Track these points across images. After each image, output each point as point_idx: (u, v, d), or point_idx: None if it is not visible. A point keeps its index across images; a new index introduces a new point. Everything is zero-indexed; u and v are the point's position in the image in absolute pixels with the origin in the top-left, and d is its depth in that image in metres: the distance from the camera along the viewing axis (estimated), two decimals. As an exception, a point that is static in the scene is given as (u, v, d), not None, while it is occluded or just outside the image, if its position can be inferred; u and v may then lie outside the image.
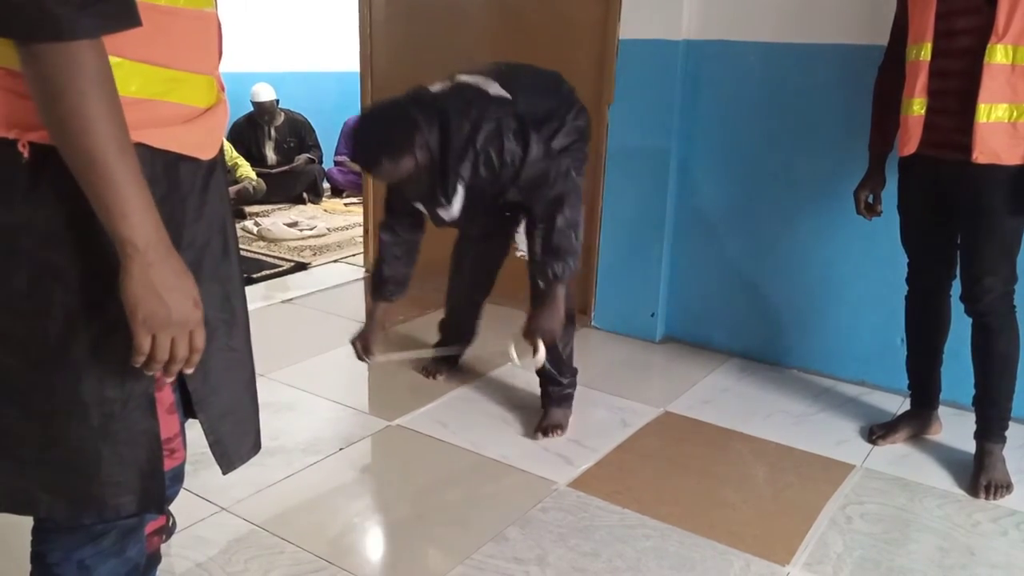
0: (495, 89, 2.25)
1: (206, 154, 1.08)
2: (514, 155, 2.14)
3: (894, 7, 2.29)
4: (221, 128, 1.13)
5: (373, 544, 2.05)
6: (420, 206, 2.36)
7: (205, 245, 1.10)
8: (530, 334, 2.23)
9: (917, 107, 2.13)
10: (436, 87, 2.29)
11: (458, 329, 2.89)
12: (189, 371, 1.02)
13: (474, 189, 2.21)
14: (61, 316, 0.98)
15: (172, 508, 1.78)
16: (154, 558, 1.38)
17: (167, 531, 1.89)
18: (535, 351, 2.24)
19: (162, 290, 0.94)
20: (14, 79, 0.91)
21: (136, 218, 0.91)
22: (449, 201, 2.23)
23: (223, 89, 1.15)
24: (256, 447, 1.26)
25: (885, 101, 2.32)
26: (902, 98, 2.19)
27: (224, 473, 1.19)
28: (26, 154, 0.92)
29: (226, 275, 1.15)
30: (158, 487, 1.09)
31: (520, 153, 2.15)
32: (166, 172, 1.02)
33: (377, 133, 2.14)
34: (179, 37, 1.00)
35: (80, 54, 0.86)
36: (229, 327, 1.16)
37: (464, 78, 2.30)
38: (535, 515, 2.10)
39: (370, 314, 2.59)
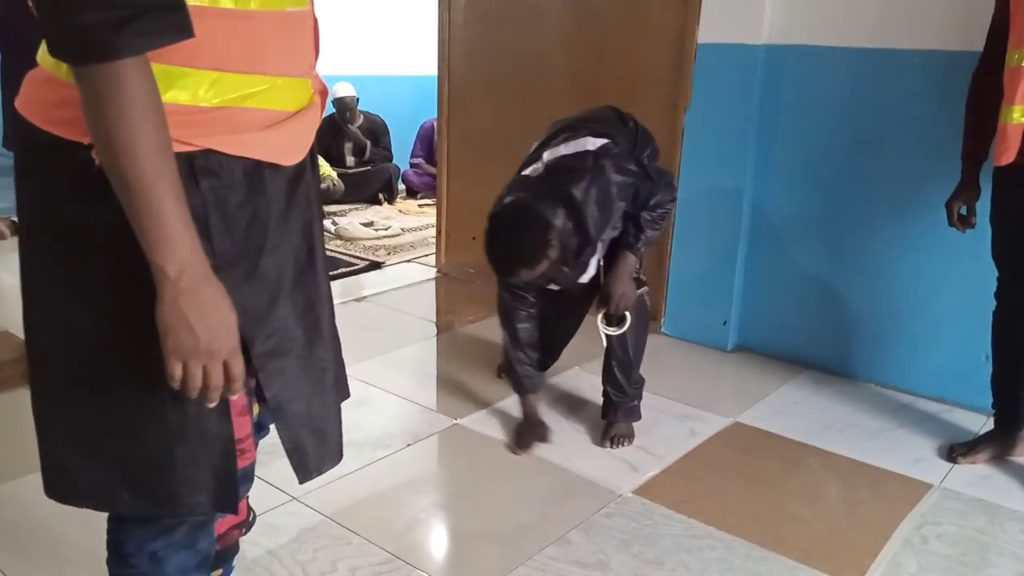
0: (592, 142, 2.24)
1: (289, 159, 1.07)
2: (642, 186, 2.25)
3: (987, 11, 2.21)
4: (310, 131, 1.10)
5: (437, 540, 2.07)
6: (552, 285, 2.39)
7: (290, 251, 1.09)
8: (611, 302, 2.33)
9: (1018, 115, 2.05)
10: (531, 170, 2.28)
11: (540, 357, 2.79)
12: (232, 396, 1.00)
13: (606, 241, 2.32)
14: (140, 318, 0.96)
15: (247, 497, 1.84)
16: (232, 549, 1.42)
17: (247, 525, 1.94)
18: (623, 319, 2.39)
19: (193, 319, 0.92)
20: None
21: (168, 245, 0.90)
22: (586, 268, 2.32)
23: (322, 91, 1.14)
24: (337, 456, 1.23)
25: (981, 108, 2.24)
26: (1001, 105, 2.10)
27: (301, 482, 1.17)
28: (98, 161, 0.91)
29: (311, 283, 1.13)
30: (231, 488, 1.10)
31: (648, 182, 2.26)
32: (247, 177, 1.01)
33: (512, 243, 2.14)
34: (256, 41, 0.98)
35: (120, 74, 0.84)
36: (311, 336, 1.14)
37: (553, 152, 2.27)
38: (599, 520, 2.10)
39: (530, 411, 2.52)
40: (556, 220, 2.12)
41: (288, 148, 1.06)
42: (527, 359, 2.46)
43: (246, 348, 1.03)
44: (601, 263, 2.38)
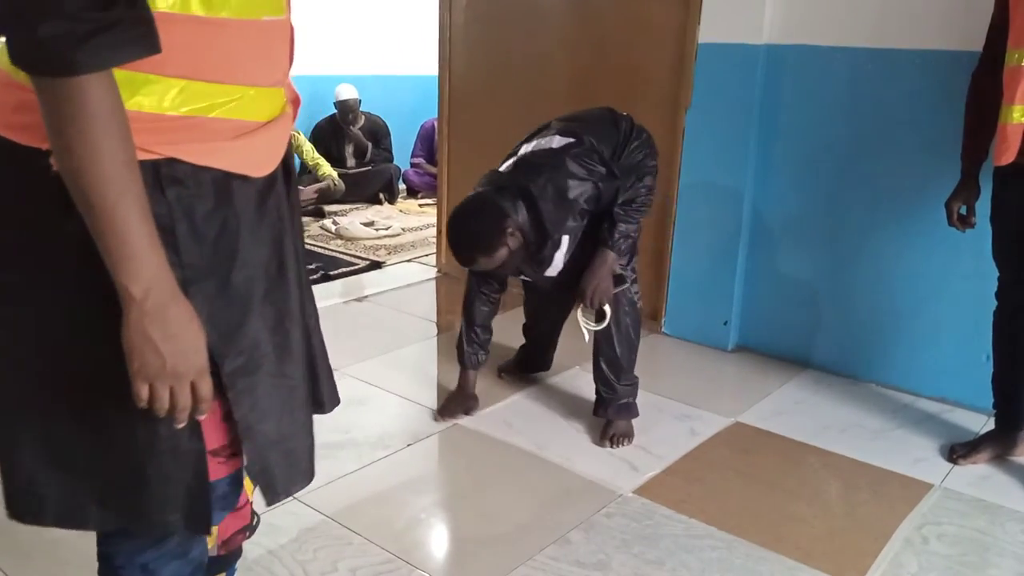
0: (558, 141, 2.34)
1: (259, 171, 1.02)
2: (604, 185, 2.29)
3: (987, 11, 2.20)
4: (281, 142, 1.07)
5: (437, 540, 2.07)
6: (521, 276, 2.54)
7: (259, 265, 1.05)
8: (586, 297, 2.34)
9: (1017, 115, 2.05)
10: (504, 166, 2.41)
11: (534, 356, 2.97)
12: (201, 417, 0.97)
13: (573, 236, 2.35)
14: (107, 331, 0.92)
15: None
16: (236, 553, 1.40)
17: (251, 529, 1.93)
18: (602, 315, 2.40)
19: (159, 340, 0.89)
20: None
21: (133, 265, 0.86)
22: (550, 262, 2.37)
23: (295, 100, 1.11)
24: (308, 476, 1.19)
25: (980, 108, 2.24)
26: (1001, 105, 2.10)
27: (268, 504, 1.14)
28: (55, 167, 0.86)
29: (281, 297, 1.09)
30: (204, 507, 1.06)
31: (613, 181, 2.29)
32: (215, 186, 0.97)
33: (469, 232, 2.26)
34: (227, 50, 0.94)
35: (82, 89, 0.80)
36: (281, 352, 1.09)
37: (526, 148, 2.40)
38: (599, 520, 2.10)
39: (464, 384, 2.68)
40: (513, 212, 2.22)
41: (258, 159, 1.02)
42: (476, 338, 2.62)
43: (216, 365, 1.00)
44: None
